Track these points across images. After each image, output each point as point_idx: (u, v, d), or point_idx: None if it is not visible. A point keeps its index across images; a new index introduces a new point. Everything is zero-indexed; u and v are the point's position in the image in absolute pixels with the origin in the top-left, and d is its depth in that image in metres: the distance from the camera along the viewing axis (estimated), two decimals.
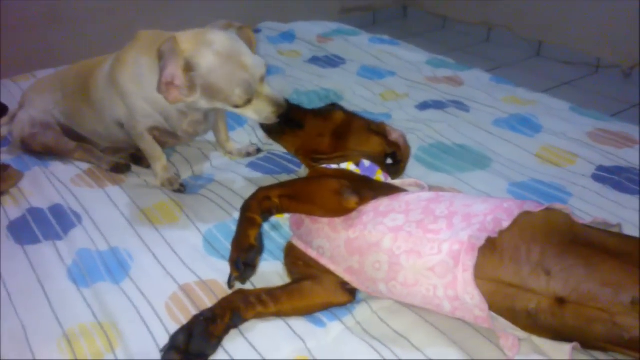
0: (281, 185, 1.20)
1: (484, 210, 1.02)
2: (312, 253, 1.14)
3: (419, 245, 1.01)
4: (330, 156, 1.31)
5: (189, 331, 0.99)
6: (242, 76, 1.27)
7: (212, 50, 1.26)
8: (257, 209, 1.13)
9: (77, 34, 2.98)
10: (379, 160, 1.32)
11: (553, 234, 0.99)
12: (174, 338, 0.98)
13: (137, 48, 1.41)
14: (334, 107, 1.42)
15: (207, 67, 1.26)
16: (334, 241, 1.10)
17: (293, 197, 1.15)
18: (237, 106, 1.31)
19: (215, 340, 1.00)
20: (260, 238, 1.14)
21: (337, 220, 1.11)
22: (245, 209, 1.14)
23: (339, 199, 1.10)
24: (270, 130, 1.44)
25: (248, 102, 1.30)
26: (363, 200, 1.11)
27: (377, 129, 1.36)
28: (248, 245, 1.08)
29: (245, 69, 1.28)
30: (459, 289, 0.97)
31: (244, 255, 1.07)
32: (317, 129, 1.36)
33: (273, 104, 1.32)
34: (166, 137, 1.52)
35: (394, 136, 1.34)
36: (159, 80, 1.25)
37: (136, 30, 1.46)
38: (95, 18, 3.03)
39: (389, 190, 1.17)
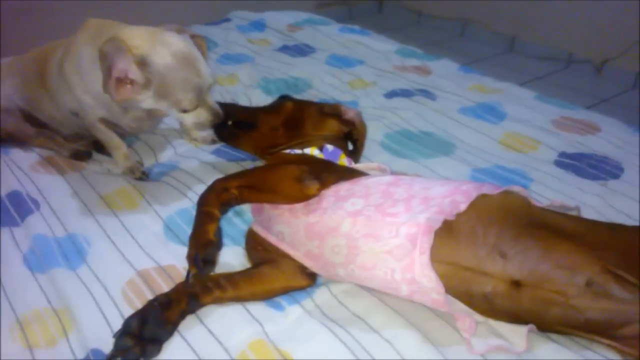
0: (239, 175, 1.19)
1: (442, 192, 1.03)
2: (272, 239, 1.13)
3: (377, 228, 1.00)
4: (289, 144, 1.30)
5: (142, 316, 0.97)
6: (196, 82, 1.27)
7: (170, 51, 1.25)
8: (215, 202, 1.12)
9: (46, 23, 2.92)
10: (341, 145, 1.31)
11: (509, 216, 0.99)
12: (126, 323, 0.96)
13: (83, 37, 1.37)
14: (283, 99, 1.41)
15: (164, 67, 1.23)
16: (293, 227, 1.09)
17: (252, 186, 1.14)
18: (184, 111, 1.30)
19: (170, 326, 0.99)
20: (219, 232, 1.12)
21: (298, 206, 1.10)
22: (203, 202, 1.12)
23: (300, 186, 1.10)
24: (224, 136, 1.44)
25: (194, 108, 1.30)
26: (324, 185, 1.11)
27: (330, 111, 1.36)
28: (207, 241, 1.06)
29: (199, 76, 1.27)
30: (416, 271, 0.96)
31: (203, 251, 1.05)
32: (270, 124, 1.36)
33: (212, 114, 1.33)
34: (118, 129, 1.50)
35: (349, 115, 1.34)
36: (105, 79, 1.21)
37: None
38: (63, 7, 2.97)
39: (351, 174, 1.17)
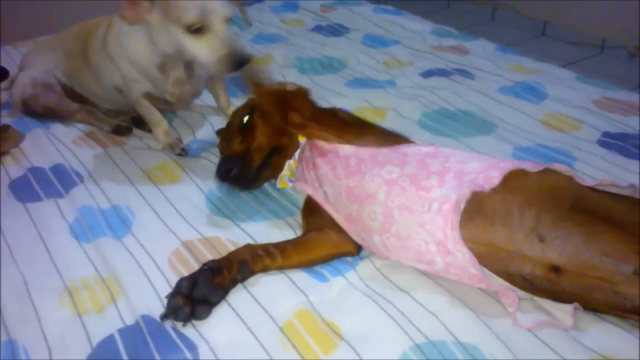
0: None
1: (478, 168, 1.01)
2: (320, 198, 1.13)
3: (411, 201, 1.00)
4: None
5: (193, 278, 0.99)
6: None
7: None
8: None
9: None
10: None
11: (550, 197, 0.96)
12: (178, 284, 0.99)
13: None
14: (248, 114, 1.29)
15: None
16: (336, 188, 1.10)
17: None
18: (189, 27, 1.25)
19: (220, 290, 1.00)
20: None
21: (339, 167, 1.10)
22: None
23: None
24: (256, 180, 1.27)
25: (199, 30, 1.26)
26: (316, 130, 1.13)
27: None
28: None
29: None
30: (449, 246, 0.96)
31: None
32: (265, 132, 1.25)
33: (228, 46, 1.26)
34: (161, 103, 1.51)
35: (289, 87, 1.32)
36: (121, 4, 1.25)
37: None
38: None
39: (394, 138, 1.16)
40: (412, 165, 1.04)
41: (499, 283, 0.97)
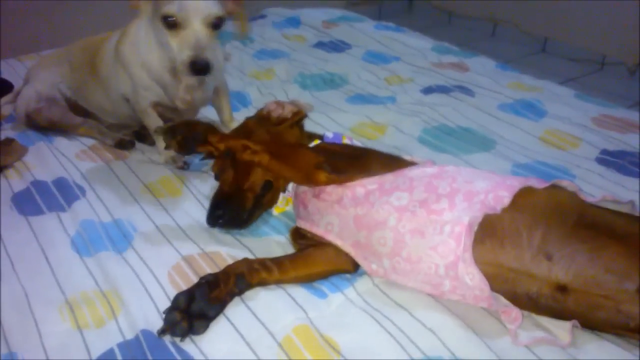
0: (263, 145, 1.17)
1: (486, 187, 1.02)
2: (319, 231, 1.13)
3: (422, 225, 1.01)
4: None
5: (190, 293, 0.99)
6: None
7: None
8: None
9: (82, 13, 2.97)
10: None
11: (556, 214, 0.97)
12: (175, 299, 0.99)
13: (140, 18, 1.42)
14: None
15: None
16: (343, 217, 1.09)
17: (274, 153, 1.14)
18: (166, 17, 1.27)
19: (217, 304, 1.00)
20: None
21: (346, 199, 1.10)
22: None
23: (314, 170, 1.10)
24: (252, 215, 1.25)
25: (176, 25, 1.28)
26: (343, 177, 1.10)
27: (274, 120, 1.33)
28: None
29: None
30: (459, 269, 0.97)
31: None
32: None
33: (194, 49, 1.27)
34: (169, 113, 1.52)
35: (287, 109, 1.32)
36: None
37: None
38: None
39: (397, 163, 1.15)
40: (419, 190, 1.05)
41: (502, 303, 0.97)
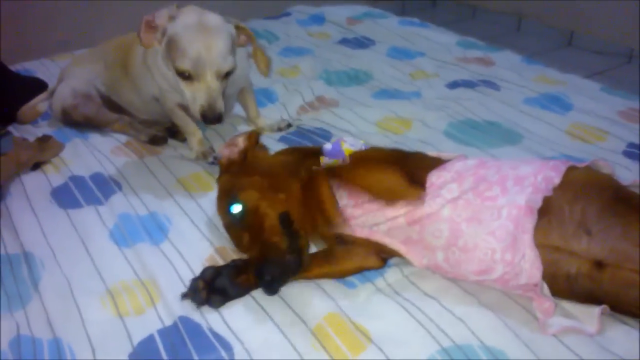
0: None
1: (532, 170, 1.04)
2: (363, 232, 1.11)
3: (478, 212, 1.02)
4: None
5: (218, 269, 1.06)
6: (200, 51, 1.31)
7: (196, 19, 1.34)
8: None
9: (115, 13, 3.04)
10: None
11: (594, 190, 1.00)
12: (203, 271, 1.07)
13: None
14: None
15: (182, 25, 1.34)
16: (394, 217, 1.09)
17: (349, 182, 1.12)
18: (181, 73, 1.34)
19: (240, 288, 1.06)
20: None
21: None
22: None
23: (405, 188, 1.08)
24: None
25: (190, 77, 1.34)
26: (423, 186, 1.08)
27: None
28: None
29: (207, 50, 1.32)
30: (516, 251, 0.98)
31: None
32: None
33: (207, 101, 1.34)
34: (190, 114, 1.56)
35: (238, 141, 1.27)
36: (140, 25, 1.37)
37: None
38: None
39: (434, 161, 1.15)
40: (469, 180, 1.06)
41: (545, 292, 0.98)
